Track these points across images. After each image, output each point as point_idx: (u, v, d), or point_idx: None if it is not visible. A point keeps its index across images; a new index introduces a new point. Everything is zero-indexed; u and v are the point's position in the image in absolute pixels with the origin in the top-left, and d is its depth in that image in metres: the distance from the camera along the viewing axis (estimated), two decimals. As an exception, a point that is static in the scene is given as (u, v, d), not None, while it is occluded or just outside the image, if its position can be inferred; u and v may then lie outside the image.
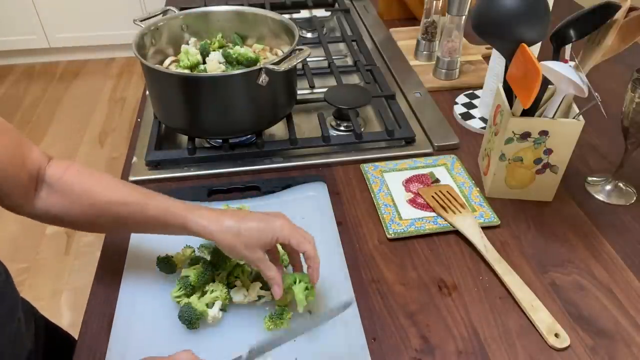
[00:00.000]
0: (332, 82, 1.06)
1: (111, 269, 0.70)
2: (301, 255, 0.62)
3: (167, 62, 0.94)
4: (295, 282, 0.59)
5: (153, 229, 0.63)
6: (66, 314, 1.74)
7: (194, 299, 0.62)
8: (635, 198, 0.82)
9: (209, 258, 0.66)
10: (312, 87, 1.04)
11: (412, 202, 0.80)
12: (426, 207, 0.79)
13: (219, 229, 0.57)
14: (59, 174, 0.61)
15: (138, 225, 0.62)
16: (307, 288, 0.59)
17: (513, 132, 0.74)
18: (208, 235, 0.58)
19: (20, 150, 0.59)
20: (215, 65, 0.88)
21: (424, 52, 1.19)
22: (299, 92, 0.98)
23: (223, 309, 0.63)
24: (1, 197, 0.58)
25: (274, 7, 1.39)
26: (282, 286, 0.58)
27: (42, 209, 0.61)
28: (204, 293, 0.64)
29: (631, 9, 0.67)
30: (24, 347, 0.67)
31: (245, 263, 0.67)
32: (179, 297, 0.63)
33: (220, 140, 0.90)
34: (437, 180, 0.84)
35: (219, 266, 0.65)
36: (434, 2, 1.13)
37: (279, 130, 0.98)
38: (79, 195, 0.60)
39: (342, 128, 0.98)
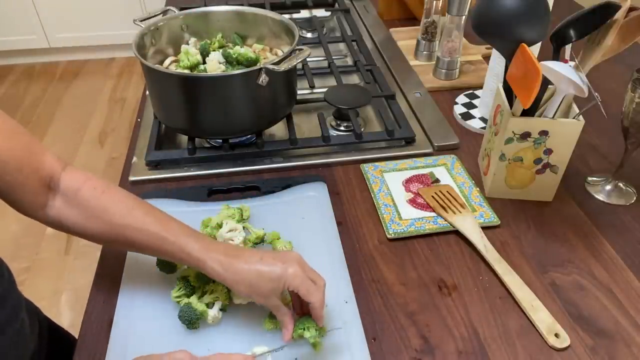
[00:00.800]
0: (332, 82, 1.06)
1: (111, 269, 0.70)
2: None
3: (167, 62, 0.94)
4: (304, 329, 0.58)
5: (167, 259, 0.63)
6: (66, 314, 1.75)
7: (194, 299, 0.62)
8: (635, 198, 0.82)
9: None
10: (312, 87, 1.04)
11: (412, 202, 0.80)
12: (426, 207, 0.79)
13: (234, 278, 0.57)
14: (76, 186, 0.60)
15: (152, 253, 0.61)
16: (316, 329, 0.59)
17: (513, 132, 0.74)
18: (223, 283, 0.58)
19: (31, 156, 0.58)
20: (215, 65, 0.88)
21: (424, 52, 1.19)
22: (299, 92, 0.98)
23: (223, 309, 0.63)
24: (12, 202, 0.58)
25: (274, 7, 1.39)
26: (291, 331, 0.58)
27: (55, 218, 0.60)
28: (204, 293, 0.64)
29: (631, 9, 0.67)
30: (28, 348, 0.67)
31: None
32: (179, 297, 0.63)
33: (220, 140, 0.90)
34: (437, 180, 0.84)
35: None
36: (434, 2, 1.13)
37: (279, 130, 0.98)
38: (95, 213, 0.59)
39: (342, 128, 0.98)
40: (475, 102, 1.03)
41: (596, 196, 0.82)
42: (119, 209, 0.60)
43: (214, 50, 0.93)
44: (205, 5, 1.00)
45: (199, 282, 0.63)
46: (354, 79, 1.16)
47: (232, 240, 0.69)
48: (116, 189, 0.62)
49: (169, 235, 0.59)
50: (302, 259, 0.59)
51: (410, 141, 0.93)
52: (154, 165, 0.87)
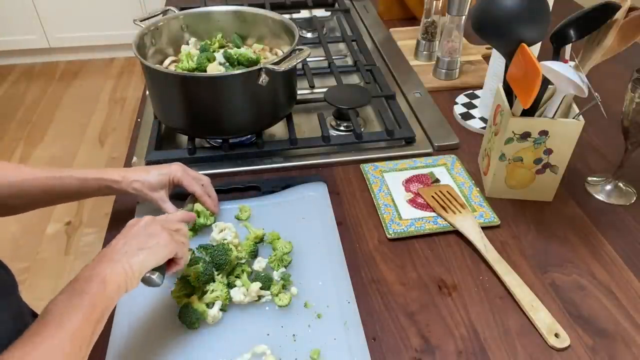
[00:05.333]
0: (332, 82, 1.06)
1: (111, 269, 0.69)
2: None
3: (167, 62, 0.94)
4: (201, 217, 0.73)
5: (70, 195, 0.70)
6: (66, 314, 1.74)
7: (194, 299, 0.62)
8: (635, 198, 0.82)
9: (208, 258, 0.66)
10: (312, 87, 1.04)
11: (412, 202, 0.80)
12: (426, 207, 0.79)
13: (129, 179, 0.70)
14: None
15: (52, 197, 0.68)
16: (209, 215, 0.74)
17: (513, 132, 0.74)
18: (119, 188, 0.70)
19: None
20: (215, 65, 0.88)
21: (424, 52, 1.19)
22: (299, 92, 0.98)
23: (223, 309, 0.63)
24: None
25: (274, 7, 1.39)
26: (185, 215, 0.68)
27: None
28: (204, 293, 0.64)
29: (631, 9, 0.67)
30: None
31: (246, 263, 0.68)
32: (179, 297, 0.63)
33: (220, 140, 0.90)
34: (437, 180, 0.84)
35: (219, 266, 0.65)
36: (434, 2, 1.13)
37: (279, 130, 0.98)
38: None
39: (342, 128, 0.98)
40: (475, 102, 1.03)
41: (596, 196, 0.82)
42: (13, 169, 0.67)
43: (214, 51, 0.93)
44: (205, 5, 1.00)
45: (199, 282, 0.64)
46: (354, 79, 1.16)
47: (226, 239, 0.69)
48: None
49: (62, 172, 0.67)
50: (185, 166, 0.75)
51: (410, 141, 0.93)
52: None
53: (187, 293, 0.63)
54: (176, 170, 0.73)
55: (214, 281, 0.64)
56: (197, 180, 0.75)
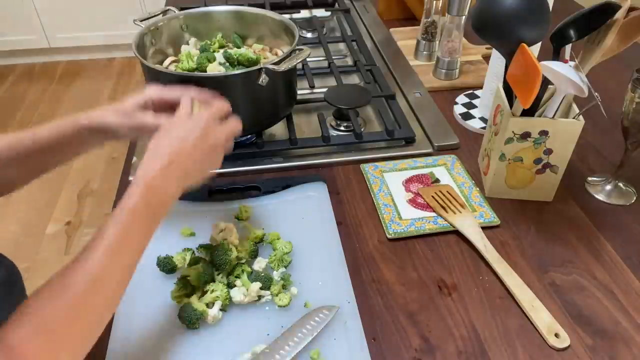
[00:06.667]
0: (332, 82, 1.06)
1: (111, 269, 0.69)
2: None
3: (167, 62, 0.94)
4: None
5: (51, 149, 0.64)
6: (66, 314, 1.74)
7: (194, 299, 0.62)
8: (635, 198, 0.82)
9: (208, 258, 0.66)
10: (312, 87, 1.04)
11: (412, 202, 0.80)
12: (426, 207, 0.79)
13: (104, 113, 0.64)
14: None
15: (35, 152, 0.64)
16: None
17: (513, 132, 0.74)
18: (98, 122, 0.64)
19: None
20: (215, 65, 0.88)
21: (424, 52, 1.19)
22: (299, 92, 0.98)
23: (223, 309, 0.63)
24: None
25: (274, 7, 1.39)
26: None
27: None
28: (204, 293, 0.64)
29: (631, 9, 0.67)
30: None
31: (246, 263, 0.68)
32: (179, 297, 0.63)
33: (220, 140, 0.90)
34: (437, 180, 0.84)
35: (219, 266, 0.65)
36: (434, 2, 1.13)
37: (279, 130, 0.98)
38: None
39: (342, 128, 0.98)
40: (475, 102, 1.04)
41: (596, 196, 0.82)
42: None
43: (214, 51, 0.93)
44: (205, 5, 1.00)
45: (199, 282, 0.64)
46: (354, 79, 1.16)
47: (226, 239, 0.69)
48: None
49: (39, 126, 0.63)
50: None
51: (410, 141, 0.93)
52: (154, 165, 0.87)
53: (187, 293, 0.63)
54: (151, 89, 0.66)
55: (214, 281, 0.64)
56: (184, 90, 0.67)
